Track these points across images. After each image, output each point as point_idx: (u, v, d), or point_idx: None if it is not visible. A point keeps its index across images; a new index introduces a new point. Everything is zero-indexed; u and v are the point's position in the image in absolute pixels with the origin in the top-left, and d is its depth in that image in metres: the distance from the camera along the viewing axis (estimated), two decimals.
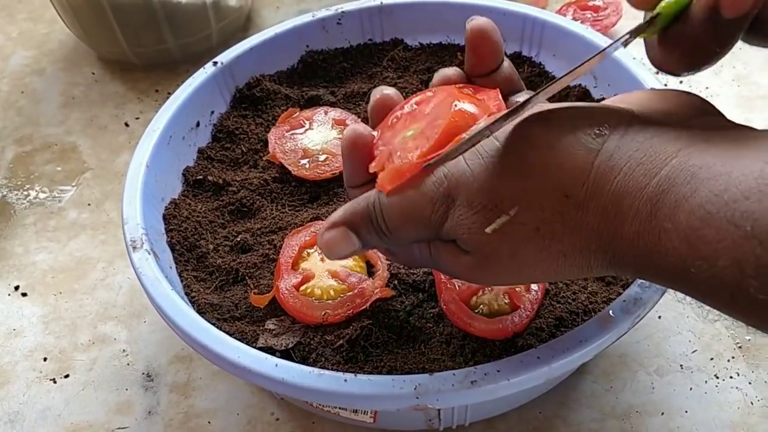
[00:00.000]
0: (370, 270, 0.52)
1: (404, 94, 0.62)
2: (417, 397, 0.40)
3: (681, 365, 0.52)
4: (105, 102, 0.76)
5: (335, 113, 0.61)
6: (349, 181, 0.42)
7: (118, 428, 0.52)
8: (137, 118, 0.74)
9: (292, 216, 0.55)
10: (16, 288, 0.61)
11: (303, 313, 0.48)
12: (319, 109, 0.61)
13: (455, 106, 0.38)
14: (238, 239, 0.54)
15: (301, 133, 0.60)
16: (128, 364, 0.55)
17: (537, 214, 0.34)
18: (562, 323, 0.47)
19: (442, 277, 0.49)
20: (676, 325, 0.54)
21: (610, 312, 0.43)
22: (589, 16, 0.76)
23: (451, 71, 0.42)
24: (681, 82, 0.72)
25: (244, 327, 0.49)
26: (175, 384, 0.54)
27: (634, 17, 0.76)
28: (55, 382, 0.55)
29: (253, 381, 0.43)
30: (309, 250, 0.52)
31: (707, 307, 0.54)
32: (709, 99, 0.69)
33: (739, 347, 0.53)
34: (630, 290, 0.44)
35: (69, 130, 0.74)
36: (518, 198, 0.34)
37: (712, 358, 0.52)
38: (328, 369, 0.45)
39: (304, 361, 0.46)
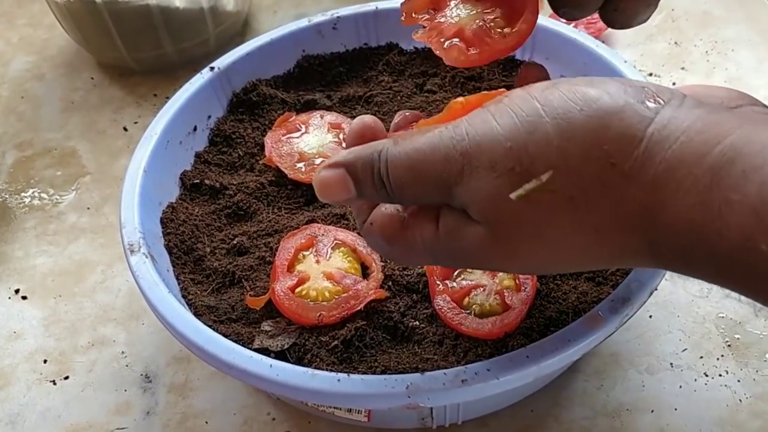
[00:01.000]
0: (365, 272, 0.52)
1: (399, 97, 0.63)
2: (409, 396, 0.41)
3: (671, 363, 0.53)
4: (104, 107, 0.77)
5: (331, 117, 0.62)
6: None
7: (117, 429, 0.53)
8: (136, 123, 0.75)
9: (288, 219, 0.56)
10: (17, 291, 0.62)
11: (298, 315, 0.49)
12: (315, 113, 0.62)
13: None
14: (235, 242, 0.55)
15: (297, 137, 0.60)
16: (127, 366, 0.56)
17: (574, 180, 0.30)
18: (552, 323, 0.47)
19: (435, 277, 0.50)
20: (667, 324, 0.55)
21: (599, 312, 0.44)
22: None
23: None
24: (674, 83, 0.73)
25: (241, 329, 0.49)
26: (173, 385, 0.55)
27: None
28: (55, 384, 0.56)
29: (248, 381, 0.44)
30: (305, 253, 0.53)
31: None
32: None
33: (729, 346, 0.53)
34: (619, 290, 0.45)
35: (68, 134, 0.75)
36: (554, 161, 0.30)
37: (701, 357, 0.53)
38: (322, 369, 0.45)
39: (299, 361, 0.47)
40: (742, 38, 0.76)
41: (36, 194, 0.70)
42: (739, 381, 0.52)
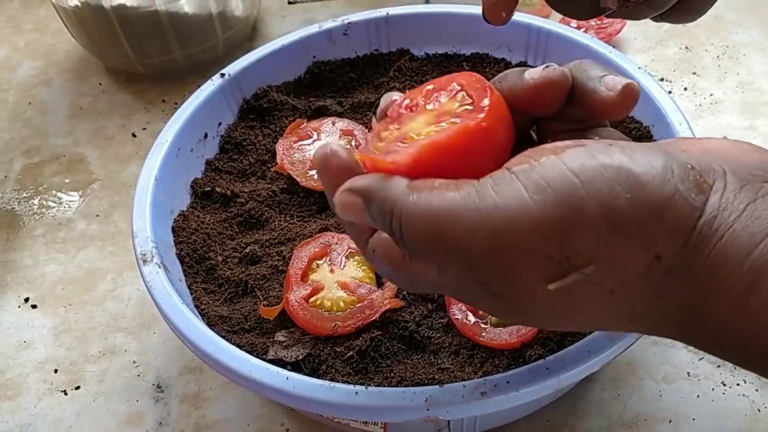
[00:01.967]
0: (379, 280, 0.52)
1: None
2: (428, 409, 0.40)
3: (688, 373, 0.52)
4: (112, 112, 0.77)
5: (342, 124, 0.61)
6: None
7: None
8: (144, 129, 0.74)
9: (300, 227, 0.56)
10: (26, 300, 0.61)
11: (313, 325, 0.49)
12: (326, 120, 0.62)
13: None
14: (247, 251, 0.54)
15: (309, 144, 0.60)
16: (138, 376, 0.56)
17: (618, 274, 0.28)
18: (570, 333, 0.47)
19: None
20: None
21: None
22: (593, 23, 0.76)
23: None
24: (685, 88, 0.72)
25: (254, 339, 0.49)
26: (185, 395, 0.54)
27: (637, 24, 0.77)
28: (66, 394, 0.55)
29: (264, 394, 0.43)
30: (318, 262, 0.52)
31: None
32: (713, 106, 0.70)
33: None
34: None
35: (77, 141, 0.74)
36: (597, 253, 0.28)
37: (719, 366, 0.53)
38: (338, 380, 0.45)
39: (314, 372, 0.47)
40: (754, 43, 0.76)
41: (44, 201, 0.69)
42: (757, 390, 0.51)
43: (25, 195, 0.70)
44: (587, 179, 0.28)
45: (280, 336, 0.49)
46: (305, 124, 0.62)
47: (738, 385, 0.51)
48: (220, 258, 0.54)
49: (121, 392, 0.55)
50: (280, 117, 0.63)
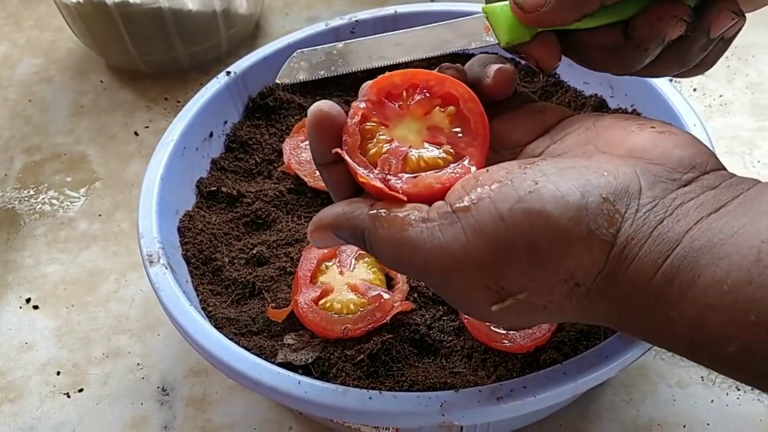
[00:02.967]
0: (389, 283, 0.51)
1: None
2: (443, 414, 0.40)
3: (702, 377, 0.52)
4: (114, 110, 0.76)
5: None
6: (317, 159, 0.39)
7: None
8: (147, 127, 0.73)
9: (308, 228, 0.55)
10: (28, 300, 0.60)
11: (323, 328, 0.48)
12: None
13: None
14: (254, 252, 0.53)
15: None
16: (143, 378, 0.55)
17: (546, 297, 0.33)
18: (584, 336, 0.46)
19: None
20: None
21: None
22: None
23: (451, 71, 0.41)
24: (695, 89, 0.72)
25: (263, 342, 0.48)
26: (191, 398, 0.53)
27: None
28: (69, 397, 0.54)
29: (276, 399, 0.42)
30: (327, 263, 0.51)
31: None
32: (722, 107, 0.69)
33: None
34: None
35: (78, 139, 0.73)
36: (526, 284, 0.33)
37: None
38: (349, 384, 0.44)
39: (324, 376, 0.46)
40: (763, 44, 0.75)
41: (46, 200, 0.68)
42: None
43: (25, 194, 0.69)
44: (513, 224, 0.32)
45: (289, 339, 0.48)
46: None
47: (752, 390, 0.51)
48: (226, 259, 0.53)
49: (126, 395, 0.54)
50: (286, 116, 0.62)
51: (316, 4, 0.85)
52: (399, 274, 0.50)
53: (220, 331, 0.46)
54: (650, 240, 0.32)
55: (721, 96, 0.71)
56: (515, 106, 0.41)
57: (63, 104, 0.77)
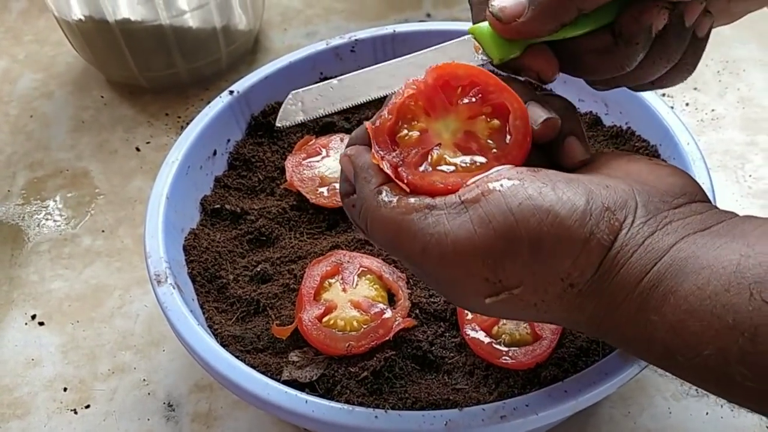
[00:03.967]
0: (391, 299, 0.52)
1: None
2: None
3: (697, 390, 0.53)
4: (115, 126, 0.76)
5: None
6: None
7: None
8: (148, 143, 0.74)
9: (311, 245, 0.56)
10: (33, 317, 0.61)
11: (327, 345, 0.49)
12: (334, 137, 0.62)
13: None
14: (258, 269, 0.54)
15: (318, 161, 0.60)
16: (149, 394, 0.56)
17: (540, 295, 0.35)
18: (584, 353, 0.47)
19: None
20: None
21: None
22: None
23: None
24: (687, 104, 0.73)
25: (268, 359, 0.49)
26: (196, 413, 0.54)
27: None
28: (76, 413, 0.55)
29: (283, 417, 0.43)
30: (330, 281, 0.52)
31: None
32: (714, 122, 0.71)
33: None
34: None
35: (80, 154, 0.74)
36: (524, 280, 0.34)
37: None
38: (353, 401, 0.45)
39: (328, 393, 0.47)
40: (754, 58, 0.77)
41: (49, 216, 0.69)
42: None
43: (29, 210, 0.70)
44: (521, 218, 0.33)
45: (293, 356, 0.49)
46: (314, 140, 0.62)
47: None
48: (231, 276, 0.54)
49: (132, 411, 0.55)
50: (287, 133, 0.63)
51: (314, 20, 0.86)
52: (400, 290, 0.52)
53: (227, 349, 0.47)
54: (641, 248, 0.34)
55: (713, 110, 0.72)
56: None
57: (64, 119, 0.78)
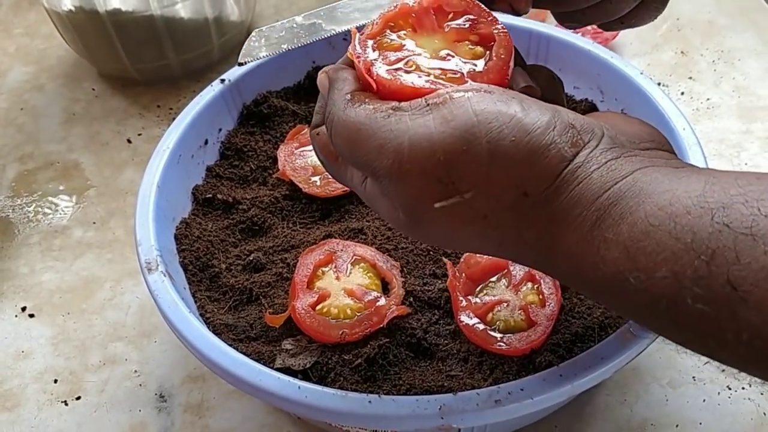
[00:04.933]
0: (385, 287, 0.52)
1: None
2: (442, 417, 0.40)
3: (693, 377, 0.53)
4: (106, 118, 0.76)
5: None
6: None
7: None
8: (139, 135, 0.74)
9: (304, 234, 0.55)
10: (23, 309, 0.60)
11: (320, 333, 0.48)
12: None
13: None
14: (251, 258, 0.54)
15: (311, 151, 0.60)
16: (140, 385, 0.55)
17: (491, 203, 0.34)
18: (579, 339, 0.47)
19: (458, 293, 0.49)
20: None
21: (630, 329, 0.43)
22: (589, 27, 0.76)
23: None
24: (682, 93, 0.73)
25: (261, 347, 0.49)
26: (188, 404, 0.54)
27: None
28: (66, 405, 0.54)
29: (276, 404, 0.43)
30: (324, 269, 0.52)
31: None
32: (710, 110, 0.70)
33: None
34: None
35: (71, 147, 0.73)
36: (478, 183, 0.33)
37: (723, 370, 0.53)
38: (347, 388, 0.45)
39: (322, 380, 0.46)
40: (748, 47, 0.76)
41: (39, 208, 0.68)
42: (762, 394, 0.51)
43: (19, 202, 0.69)
44: (484, 120, 0.33)
45: (287, 344, 0.49)
46: (306, 129, 0.61)
47: (743, 389, 0.52)
48: (223, 265, 0.54)
49: (123, 402, 0.54)
50: (280, 123, 0.63)
51: (306, 11, 0.85)
52: (394, 278, 0.51)
53: (219, 337, 0.46)
54: (603, 167, 0.33)
55: (708, 99, 0.72)
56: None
57: (55, 112, 0.77)
